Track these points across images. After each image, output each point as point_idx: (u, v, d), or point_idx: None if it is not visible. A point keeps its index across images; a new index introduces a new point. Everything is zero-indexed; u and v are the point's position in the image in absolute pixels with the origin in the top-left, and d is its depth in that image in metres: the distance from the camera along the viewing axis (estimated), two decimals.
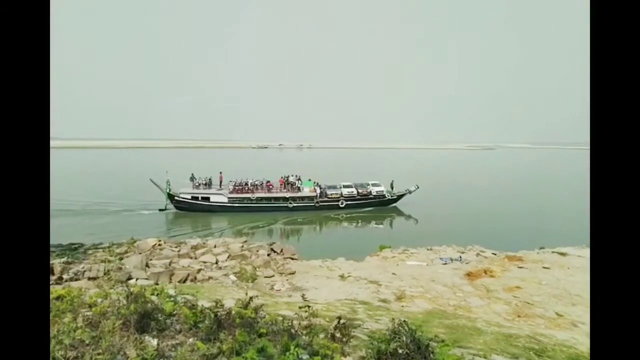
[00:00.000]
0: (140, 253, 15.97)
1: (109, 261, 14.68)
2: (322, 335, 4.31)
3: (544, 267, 14.07)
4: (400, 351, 3.56)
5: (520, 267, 14.26)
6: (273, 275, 14.70)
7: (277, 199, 34.22)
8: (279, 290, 12.56)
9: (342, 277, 14.16)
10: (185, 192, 33.47)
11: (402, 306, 10.42)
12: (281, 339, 3.72)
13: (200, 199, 33.27)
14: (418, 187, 37.55)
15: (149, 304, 4.08)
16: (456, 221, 31.08)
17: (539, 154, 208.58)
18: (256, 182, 35.19)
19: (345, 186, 36.38)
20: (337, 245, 23.01)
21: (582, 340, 7.43)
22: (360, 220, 32.82)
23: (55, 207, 29.49)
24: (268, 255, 17.21)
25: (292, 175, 37.22)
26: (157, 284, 11.21)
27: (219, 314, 4.02)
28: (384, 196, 36.78)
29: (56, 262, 13.57)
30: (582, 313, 9.61)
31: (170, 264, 14.85)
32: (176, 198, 32.90)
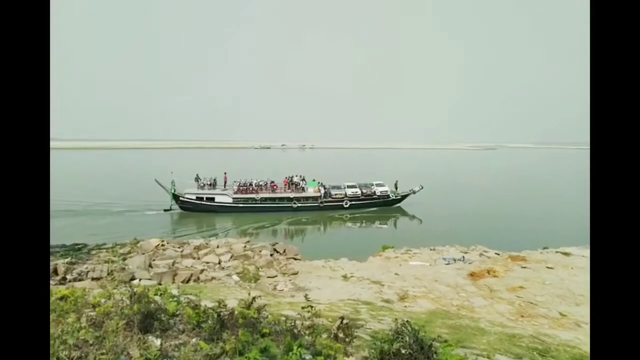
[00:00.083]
0: (143, 253, 16.03)
1: (113, 261, 14.75)
2: (324, 336, 4.31)
3: (548, 267, 14.02)
4: (403, 351, 3.55)
5: (524, 267, 14.21)
6: (276, 276, 14.71)
7: (281, 199, 34.23)
8: (282, 290, 12.58)
9: (344, 277, 14.16)
10: (190, 192, 33.55)
11: (405, 306, 10.41)
12: (284, 339, 3.72)
13: (205, 199, 33.37)
14: (422, 187, 37.47)
15: (152, 304, 4.09)
16: (459, 221, 30.98)
17: (541, 153, 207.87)
18: (260, 183, 35.21)
19: (349, 186, 36.37)
20: (341, 246, 22.97)
21: (585, 341, 7.39)
22: (364, 221, 32.79)
23: (60, 207, 29.69)
24: (271, 255, 17.23)
25: (297, 176, 37.26)
26: (160, 284, 11.25)
27: (221, 314, 4.02)
28: (388, 196, 36.73)
29: (60, 263, 13.64)
30: (586, 313, 9.56)
31: (173, 264, 14.90)
32: (181, 198, 33.02)
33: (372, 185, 37.13)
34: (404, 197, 37.52)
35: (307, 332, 4.26)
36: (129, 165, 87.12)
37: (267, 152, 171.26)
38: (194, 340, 3.71)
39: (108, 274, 13.15)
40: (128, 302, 4.12)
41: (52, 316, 3.69)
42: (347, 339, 4.38)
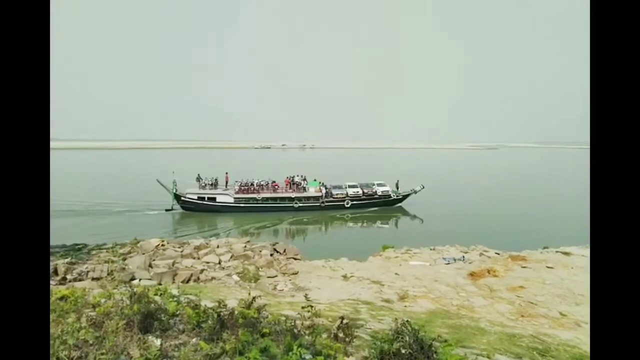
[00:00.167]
0: (143, 253, 16.03)
1: (113, 261, 14.75)
2: (324, 335, 4.31)
3: (548, 267, 14.01)
4: (403, 351, 3.55)
5: (524, 267, 14.21)
6: (276, 276, 14.72)
7: (282, 199, 34.28)
8: (282, 290, 12.58)
9: (344, 277, 14.16)
10: (192, 192, 33.59)
11: (405, 306, 10.41)
12: (284, 339, 3.72)
13: (206, 199, 33.42)
14: (423, 187, 37.49)
15: (152, 304, 4.09)
16: (459, 221, 30.98)
17: (542, 153, 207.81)
18: (262, 183, 35.25)
19: (350, 186, 36.40)
20: (342, 245, 22.98)
21: (585, 340, 7.38)
22: (365, 220, 32.81)
23: (61, 207, 29.71)
24: (271, 255, 17.23)
25: (298, 176, 37.28)
26: (160, 284, 11.25)
27: (222, 314, 4.03)
28: (389, 196, 36.74)
29: (60, 263, 13.64)
30: (586, 313, 9.56)
31: (173, 264, 14.90)
32: (182, 198, 33.07)
33: (374, 185, 37.14)
34: (405, 196, 37.52)
35: (307, 332, 4.26)
36: (129, 166, 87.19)
37: (267, 152, 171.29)
38: (194, 340, 3.71)
39: (108, 274, 13.16)
40: (128, 302, 4.12)
41: (52, 316, 3.69)
42: (347, 339, 4.39)
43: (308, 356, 3.49)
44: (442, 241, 20.65)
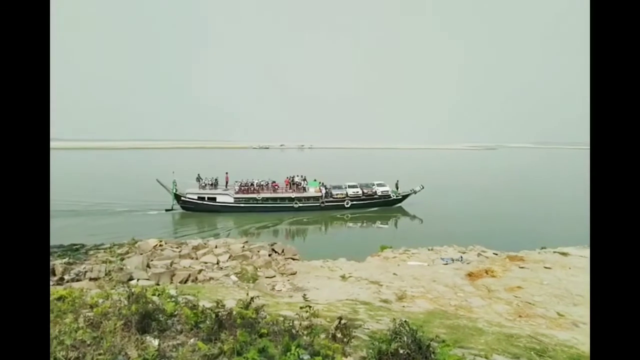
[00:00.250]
0: (141, 254, 16.00)
1: (110, 262, 14.71)
2: (323, 336, 4.31)
3: (546, 267, 14.04)
4: (401, 351, 3.55)
5: (522, 267, 14.24)
6: (274, 276, 14.70)
7: (282, 199, 34.28)
8: (280, 290, 12.57)
9: (343, 277, 14.16)
10: (192, 192, 33.57)
11: (403, 306, 10.42)
12: (282, 339, 3.72)
13: (206, 199, 33.40)
14: (423, 187, 37.55)
15: (150, 305, 4.09)
16: (458, 221, 31.03)
17: (541, 153, 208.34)
18: (262, 183, 35.25)
19: (350, 186, 36.44)
20: (342, 246, 22.97)
21: (583, 341, 7.41)
22: (365, 221, 32.84)
23: (61, 207, 29.66)
24: (269, 255, 17.21)
25: (298, 176, 37.30)
26: (158, 284, 11.22)
27: (220, 314, 4.02)
28: (389, 196, 36.79)
29: (57, 263, 13.60)
30: (584, 313, 9.59)
31: (171, 264, 14.87)
32: (182, 198, 33.05)
33: (373, 185, 37.19)
34: (404, 197, 37.58)
35: (305, 332, 4.26)
36: (129, 166, 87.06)
37: (265, 152, 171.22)
38: (192, 340, 3.71)
39: (106, 274, 13.12)
40: (126, 302, 4.11)
41: (50, 316, 3.68)
42: (345, 339, 4.39)
43: (306, 356, 3.49)
44: (441, 241, 20.67)
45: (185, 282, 13.23)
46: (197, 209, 33.07)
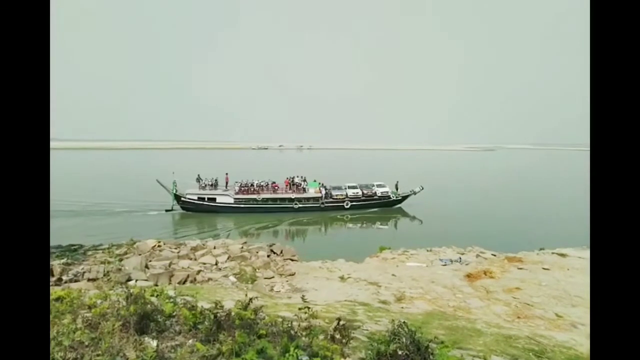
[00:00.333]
0: (139, 254, 15.96)
1: (109, 262, 14.68)
2: (321, 337, 4.31)
3: (544, 268, 14.05)
4: (400, 352, 3.55)
5: (520, 268, 14.24)
6: (273, 277, 14.68)
7: (282, 199, 34.28)
8: (279, 291, 12.55)
9: (341, 278, 14.15)
10: (192, 193, 33.57)
11: (402, 307, 10.41)
12: (281, 340, 3.72)
13: (206, 199, 33.38)
14: (422, 188, 37.58)
15: (149, 305, 4.08)
16: (457, 222, 31.07)
17: (540, 154, 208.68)
18: (262, 183, 35.26)
19: (350, 187, 36.48)
20: (342, 246, 22.97)
21: (581, 342, 7.42)
22: (365, 221, 32.86)
23: (61, 208, 29.63)
24: (268, 256, 17.18)
25: (298, 177, 37.33)
26: (156, 285, 11.19)
27: (218, 315, 4.02)
28: (388, 197, 36.82)
29: (56, 264, 13.57)
30: (582, 314, 9.61)
31: (169, 265, 14.84)
32: (182, 199, 33.03)
33: (373, 186, 37.23)
34: (404, 197, 37.61)
35: (304, 333, 4.26)
36: (129, 166, 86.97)
37: (264, 153, 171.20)
38: (190, 341, 3.70)
39: (104, 275, 13.09)
40: (124, 303, 4.11)
41: None
42: (344, 340, 4.38)
43: (305, 358, 3.48)
44: (440, 242, 20.68)
45: (184, 282, 13.20)
46: (197, 210, 33.06)
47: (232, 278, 14.06)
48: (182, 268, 14.72)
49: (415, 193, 37.63)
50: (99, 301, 4.50)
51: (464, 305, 10.76)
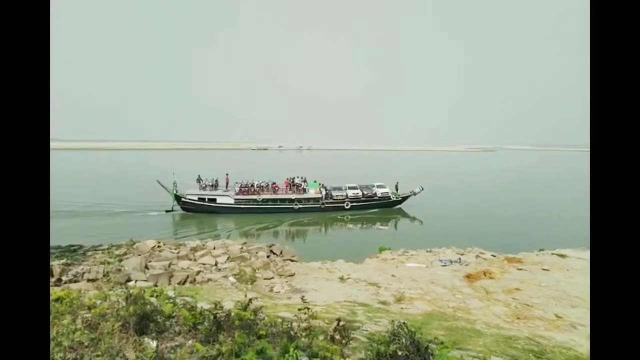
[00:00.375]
0: (139, 255, 15.95)
1: (108, 263, 14.67)
2: (321, 337, 4.31)
3: (544, 269, 14.06)
4: (399, 353, 3.55)
5: (520, 269, 14.24)
6: (272, 277, 14.67)
7: (283, 200, 34.29)
8: (279, 292, 12.55)
9: (341, 279, 14.14)
10: (192, 193, 33.57)
11: (402, 308, 10.41)
12: (280, 341, 3.72)
13: (206, 200, 33.38)
14: (422, 189, 37.61)
15: (148, 306, 4.08)
16: (457, 223, 31.08)
17: (540, 155, 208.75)
18: (262, 184, 35.28)
19: (350, 188, 36.54)
20: (342, 247, 22.96)
21: (581, 342, 7.42)
22: (365, 222, 32.88)
23: (61, 208, 29.61)
24: (267, 257, 17.17)
25: (298, 177, 37.36)
26: (156, 285, 11.19)
27: (218, 315, 4.02)
28: (389, 198, 36.85)
29: (55, 264, 13.56)
30: (582, 315, 9.61)
31: (169, 265, 14.83)
32: (183, 199, 33.04)
33: (373, 186, 37.28)
34: (404, 198, 37.63)
35: (303, 333, 4.25)
36: (129, 166, 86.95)
37: (264, 154, 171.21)
38: (190, 342, 3.70)
39: (104, 276, 13.08)
40: (124, 303, 4.10)
41: None
42: (343, 341, 4.38)
43: (304, 358, 3.48)
44: (440, 243, 20.67)
45: (184, 283, 13.20)
46: (197, 210, 33.07)
47: (231, 279, 14.05)
48: (182, 269, 14.71)
49: (415, 194, 37.65)
50: (98, 302, 4.49)
51: (464, 306, 10.76)
